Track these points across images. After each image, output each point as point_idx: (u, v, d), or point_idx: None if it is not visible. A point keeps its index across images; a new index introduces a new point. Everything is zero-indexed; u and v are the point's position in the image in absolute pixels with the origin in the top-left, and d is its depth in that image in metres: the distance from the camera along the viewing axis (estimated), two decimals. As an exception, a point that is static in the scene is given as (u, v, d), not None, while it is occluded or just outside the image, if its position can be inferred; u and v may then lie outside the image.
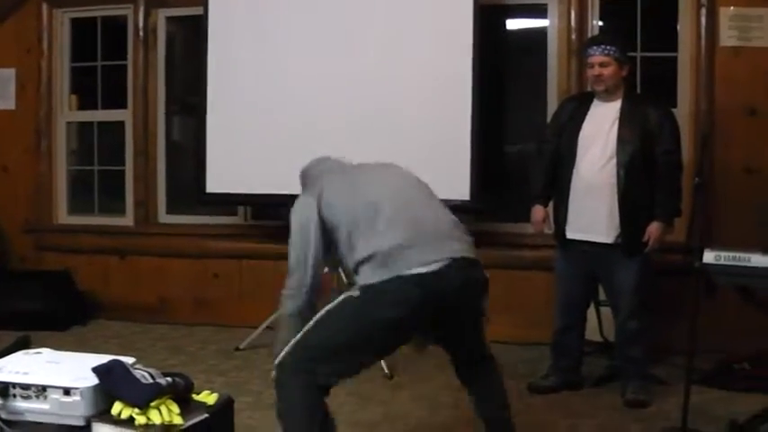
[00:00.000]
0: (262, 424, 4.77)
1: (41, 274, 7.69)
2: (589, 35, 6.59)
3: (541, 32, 6.89)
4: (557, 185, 5.47)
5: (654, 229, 5.21)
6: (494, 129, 6.89)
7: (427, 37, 6.45)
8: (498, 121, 7.05)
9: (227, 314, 7.12)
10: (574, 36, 6.64)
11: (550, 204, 5.61)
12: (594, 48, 5.31)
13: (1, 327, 6.99)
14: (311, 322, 3.48)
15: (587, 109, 5.37)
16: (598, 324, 5.92)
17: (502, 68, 7.12)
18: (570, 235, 5.37)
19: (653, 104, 5.32)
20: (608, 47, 5.26)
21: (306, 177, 4.10)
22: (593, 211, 5.26)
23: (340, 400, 5.39)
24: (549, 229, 5.63)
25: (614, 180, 5.18)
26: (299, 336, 3.45)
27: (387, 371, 5.87)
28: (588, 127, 5.31)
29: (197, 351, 6.40)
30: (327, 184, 3.86)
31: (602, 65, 5.25)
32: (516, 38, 7.34)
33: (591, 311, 5.78)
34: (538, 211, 5.57)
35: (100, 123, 8.05)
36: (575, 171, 5.30)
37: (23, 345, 6.03)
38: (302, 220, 3.76)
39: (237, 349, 6.49)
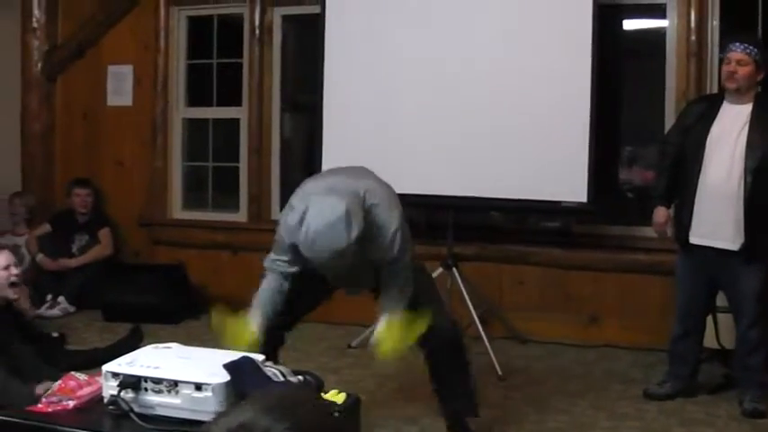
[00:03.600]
0: (379, 423, 4.78)
1: (155, 267, 7.82)
2: (709, 36, 6.49)
3: (660, 33, 6.78)
4: (681, 188, 5.37)
5: None
6: (611, 131, 6.81)
7: (545, 36, 6.39)
8: (615, 123, 6.97)
9: (339, 311, 7.13)
10: (693, 37, 6.51)
11: (672, 207, 5.53)
12: (737, 45, 5.17)
13: (115, 319, 7.15)
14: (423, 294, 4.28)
15: (716, 111, 5.25)
16: (715, 331, 5.81)
17: (619, 69, 7.04)
18: (694, 240, 5.27)
19: None
20: (749, 46, 5.13)
21: None
22: (718, 217, 5.15)
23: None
24: (670, 232, 5.55)
25: (741, 185, 5.08)
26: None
27: (500, 372, 5.86)
28: (717, 129, 5.20)
29: (309, 348, 6.42)
30: None
31: (739, 62, 5.12)
32: (634, 38, 7.25)
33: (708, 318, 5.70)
34: (660, 213, 5.50)
35: (214, 120, 8.14)
36: (701, 174, 5.19)
37: (136, 335, 6.15)
38: None
39: (350, 347, 6.52)
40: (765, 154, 5.06)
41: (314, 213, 3.73)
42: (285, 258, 4.06)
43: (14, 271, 5.16)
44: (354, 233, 3.69)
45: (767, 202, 5.09)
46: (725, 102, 5.26)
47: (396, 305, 4.09)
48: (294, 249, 3.93)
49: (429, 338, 4.20)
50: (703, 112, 5.33)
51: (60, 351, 5.95)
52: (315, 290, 4.33)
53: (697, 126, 5.28)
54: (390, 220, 4.05)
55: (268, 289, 4.13)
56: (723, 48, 5.49)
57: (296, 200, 4.04)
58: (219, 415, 1.49)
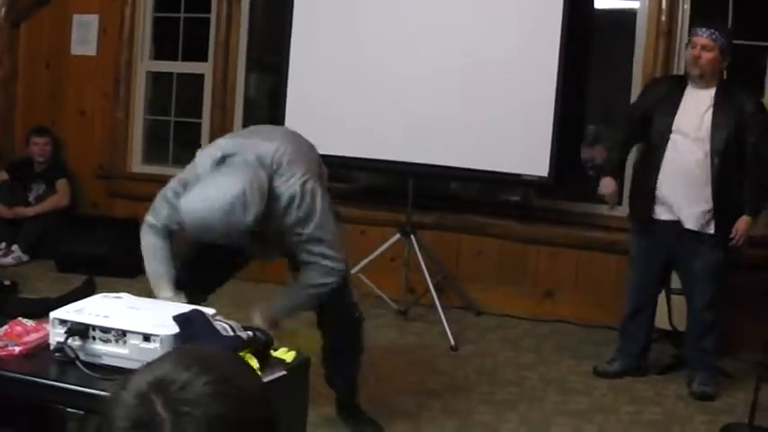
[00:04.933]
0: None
1: (112, 220, 7.75)
2: (679, 18, 6.48)
3: (631, 13, 6.76)
4: (644, 168, 5.39)
5: (742, 223, 5.13)
6: (576, 109, 6.81)
7: (516, 10, 6.37)
8: (581, 101, 6.97)
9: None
10: (663, 18, 6.51)
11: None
12: (703, 30, 5.17)
13: (69, 270, 7.11)
14: None
15: (680, 93, 5.26)
16: (668, 312, 5.85)
17: (589, 48, 7.03)
18: (658, 215, 5.28)
19: (747, 95, 5.23)
20: (715, 32, 5.13)
21: None
22: (682, 196, 5.17)
23: (404, 369, 5.44)
24: (618, 204, 5.62)
25: (707, 167, 5.11)
26: None
27: (453, 342, 5.88)
28: (682, 111, 5.21)
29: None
30: None
31: (704, 48, 5.13)
32: (605, 18, 7.23)
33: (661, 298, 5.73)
34: (608, 182, 5.51)
35: (179, 75, 8.07)
36: (666, 154, 5.21)
37: (89, 287, 6.11)
38: None
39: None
40: (731, 136, 5.09)
41: (199, 194, 3.59)
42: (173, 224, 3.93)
43: None
44: (249, 218, 3.55)
45: (732, 184, 5.14)
46: (689, 86, 5.27)
47: (293, 306, 4.10)
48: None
49: (334, 319, 4.21)
50: (666, 93, 5.33)
51: (11, 299, 5.91)
52: (224, 252, 4.03)
53: (660, 108, 5.28)
54: (295, 185, 3.84)
55: (159, 247, 3.98)
56: (690, 32, 5.49)
57: (202, 155, 3.91)
58: (136, 370, 1.38)
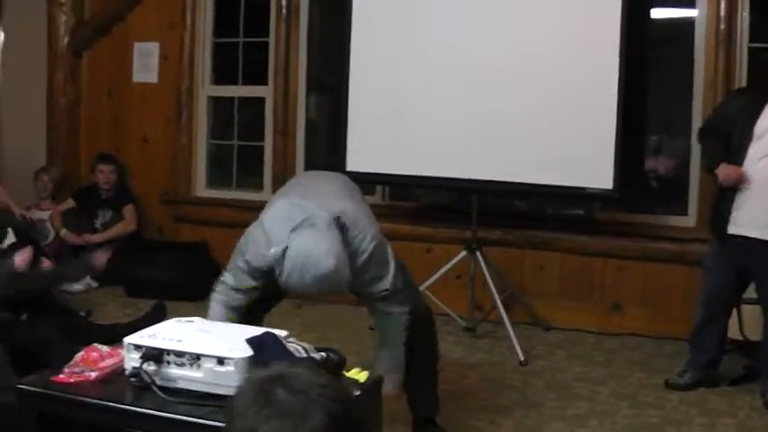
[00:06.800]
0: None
1: (178, 244, 7.83)
2: (739, 25, 6.41)
3: (689, 23, 6.70)
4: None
5: None
6: (638, 120, 6.76)
7: (574, 23, 6.32)
8: (642, 112, 6.92)
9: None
10: (723, 26, 6.45)
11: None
12: None
13: (137, 295, 7.17)
14: None
15: (761, 103, 5.16)
16: (739, 322, 5.77)
17: (648, 58, 6.98)
18: (731, 230, 5.20)
19: None
20: None
21: None
22: (756, 208, 5.09)
23: (475, 386, 5.43)
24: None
25: None
26: None
27: (522, 357, 5.85)
28: (761, 122, 5.12)
29: (328, 329, 6.39)
30: None
31: None
32: (663, 27, 7.18)
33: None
34: (728, 168, 5.18)
35: (240, 99, 8.14)
36: (744, 164, 5.13)
37: (161, 312, 6.16)
38: None
39: (371, 329, 6.48)
40: None
41: (301, 259, 3.53)
42: (247, 286, 3.92)
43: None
44: (346, 275, 3.63)
45: None
46: None
47: (395, 364, 4.08)
48: (264, 273, 3.80)
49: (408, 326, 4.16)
50: (745, 104, 5.25)
51: (84, 325, 5.97)
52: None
53: (740, 119, 5.19)
54: (369, 246, 3.90)
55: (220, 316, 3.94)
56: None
57: (273, 225, 3.81)
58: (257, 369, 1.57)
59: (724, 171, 5.17)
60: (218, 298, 3.97)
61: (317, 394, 1.46)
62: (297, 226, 3.64)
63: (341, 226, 3.76)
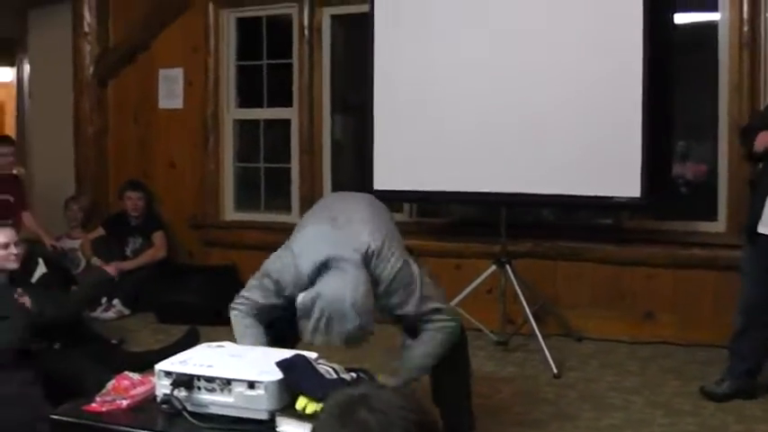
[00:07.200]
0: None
1: (208, 268, 7.86)
2: (762, 27, 6.39)
3: (711, 26, 6.69)
4: (759, 180, 5.26)
5: None
6: (665, 126, 6.74)
7: (597, 32, 6.30)
8: (669, 118, 6.90)
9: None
10: (746, 28, 6.43)
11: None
12: None
13: (169, 321, 7.19)
14: None
15: None
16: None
17: (671, 63, 6.96)
18: (761, 229, 5.12)
19: None
20: None
21: None
22: None
23: (509, 400, 5.41)
24: None
25: None
26: None
27: (555, 370, 5.83)
28: None
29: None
30: None
31: None
32: (686, 32, 7.15)
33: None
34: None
35: (265, 121, 8.18)
36: None
37: (193, 337, 6.17)
38: None
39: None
40: None
41: (329, 311, 3.49)
42: (272, 303, 3.92)
43: (14, 250, 5.09)
44: (370, 324, 3.61)
45: None
46: None
47: (422, 364, 4.07)
48: (287, 299, 3.79)
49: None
50: None
51: (116, 353, 6.00)
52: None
53: None
54: (400, 276, 3.86)
55: (250, 330, 3.95)
56: None
57: (302, 252, 3.79)
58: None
59: (761, 137, 5.09)
60: (240, 308, 4.03)
61: (397, 416, 1.56)
62: (326, 262, 3.63)
63: (368, 261, 3.74)
